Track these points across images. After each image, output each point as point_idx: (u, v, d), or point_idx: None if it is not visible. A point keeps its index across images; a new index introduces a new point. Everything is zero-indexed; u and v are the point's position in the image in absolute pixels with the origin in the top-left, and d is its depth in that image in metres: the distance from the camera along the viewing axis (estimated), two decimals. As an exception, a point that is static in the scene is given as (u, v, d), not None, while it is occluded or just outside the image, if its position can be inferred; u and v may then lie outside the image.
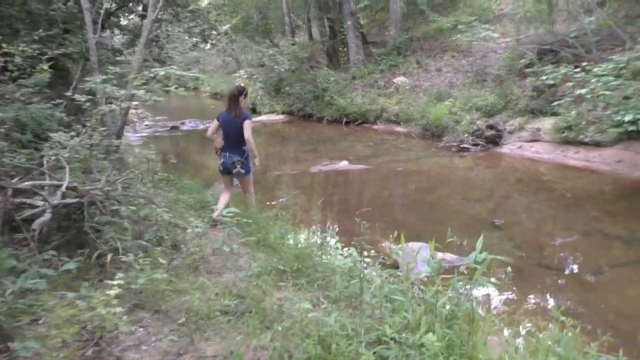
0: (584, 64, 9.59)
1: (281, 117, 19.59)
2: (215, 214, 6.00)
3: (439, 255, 6.24)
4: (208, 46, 19.56)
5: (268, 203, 8.11)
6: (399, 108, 15.88)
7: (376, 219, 7.58)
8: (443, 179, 10.21)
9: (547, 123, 11.79)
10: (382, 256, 5.57)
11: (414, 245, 6.31)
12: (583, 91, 8.40)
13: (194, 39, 17.24)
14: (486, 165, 11.21)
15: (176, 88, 5.02)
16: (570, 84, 9.94)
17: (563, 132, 11.01)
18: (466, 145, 12.22)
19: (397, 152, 12.63)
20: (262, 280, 4.02)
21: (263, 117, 19.74)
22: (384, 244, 6.59)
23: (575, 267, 5.95)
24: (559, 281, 5.61)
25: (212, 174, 10.86)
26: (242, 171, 6.21)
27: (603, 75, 8.43)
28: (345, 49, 20.29)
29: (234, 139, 6.12)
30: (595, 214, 7.68)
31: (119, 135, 8.03)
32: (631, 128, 7.63)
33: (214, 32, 18.16)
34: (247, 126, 5.97)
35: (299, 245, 4.85)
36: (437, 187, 9.61)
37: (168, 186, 8.13)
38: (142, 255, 4.08)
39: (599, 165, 9.97)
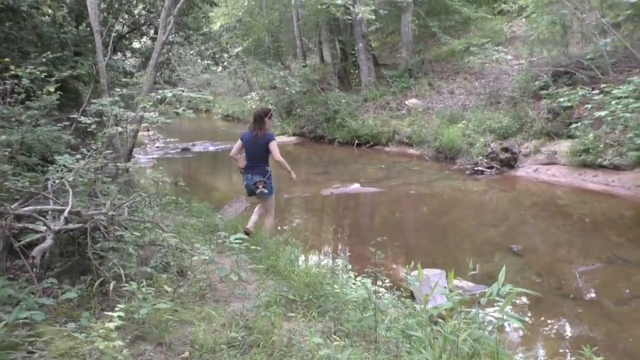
0: (602, 85, 9.38)
1: (292, 139, 19.52)
2: (248, 226, 6.34)
3: (456, 282, 6.01)
4: (219, 69, 19.67)
5: (279, 228, 7.93)
6: (412, 130, 15.73)
7: (389, 244, 7.36)
8: (457, 202, 9.98)
9: (563, 146, 11.57)
10: (397, 286, 5.35)
11: (430, 272, 6.09)
12: (602, 113, 8.20)
13: (206, 61, 17.33)
14: (501, 188, 10.98)
15: (184, 110, 4.90)
16: (588, 106, 9.73)
17: (580, 155, 10.77)
18: (480, 168, 12.00)
19: (410, 174, 12.44)
20: (270, 310, 3.83)
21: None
22: (399, 271, 6.37)
23: (598, 297, 5.67)
24: (582, 312, 5.34)
25: (222, 197, 10.73)
26: (265, 191, 6.18)
27: (623, 97, 8.21)
28: (356, 71, 20.29)
29: (256, 159, 6.16)
30: (616, 240, 7.41)
31: (128, 158, 7.95)
32: None
33: (226, 55, 18.25)
34: (275, 147, 6.08)
35: (310, 273, 4.65)
36: (451, 211, 9.38)
37: (176, 209, 7.99)
38: (146, 282, 3.92)
39: (619, 189, 9.70)
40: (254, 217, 6.55)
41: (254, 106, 22.85)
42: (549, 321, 5.19)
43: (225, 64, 18.80)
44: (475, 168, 12.05)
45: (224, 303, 4.42)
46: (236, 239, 4.43)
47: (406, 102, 17.65)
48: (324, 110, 18.50)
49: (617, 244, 7.24)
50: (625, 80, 11.48)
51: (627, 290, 5.81)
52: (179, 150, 18.16)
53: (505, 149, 12.12)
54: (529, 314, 5.32)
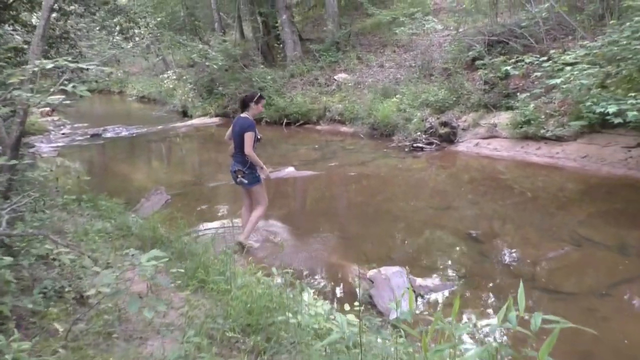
0: (552, 52, 8.83)
1: (215, 120, 18.12)
2: (242, 237, 5.88)
3: (419, 281, 5.18)
4: (130, 45, 17.83)
5: (204, 226, 6.80)
6: (343, 106, 14.84)
7: (334, 236, 6.47)
8: (400, 183, 9.20)
9: (503, 118, 11.09)
10: (347, 289, 4.47)
11: (388, 271, 5.23)
12: (557, 81, 7.62)
13: (115, 37, 15.51)
14: (444, 166, 10.34)
15: (74, 87, 3.67)
16: (537, 74, 9.17)
17: (522, 127, 10.31)
18: (420, 145, 11.32)
19: (346, 154, 11.56)
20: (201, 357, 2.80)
21: (195, 121, 18.21)
22: (349, 270, 5.47)
23: (576, 287, 5.02)
24: (564, 307, 4.66)
25: (139, 188, 9.40)
26: (245, 181, 5.85)
27: (575, 63, 7.68)
28: (280, 45, 19.10)
29: (237, 147, 5.82)
30: (575, 217, 6.89)
31: (15, 149, 6.49)
32: (617, 120, 6.89)
33: (137, 30, 16.48)
34: (248, 138, 5.62)
35: (252, 293, 3.60)
36: (396, 194, 8.57)
37: (81, 209, 6.69)
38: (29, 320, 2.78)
39: (564, 161, 9.30)
40: (244, 220, 6.15)
41: (171, 86, 21.15)
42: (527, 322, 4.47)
43: (137, 39, 17.01)
44: (415, 145, 11.36)
45: (138, 342, 3.33)
46: (150, 258, 3.31)
47: (335, 77, 16.72)
48: (249, 87, 17.18)
49: (578, 222, 6.71)
50: (562, 47, 11.17)
51: (604, 277, 5.22)
52: (89, 136, 16.28)
53: (444, 124, 11.50)
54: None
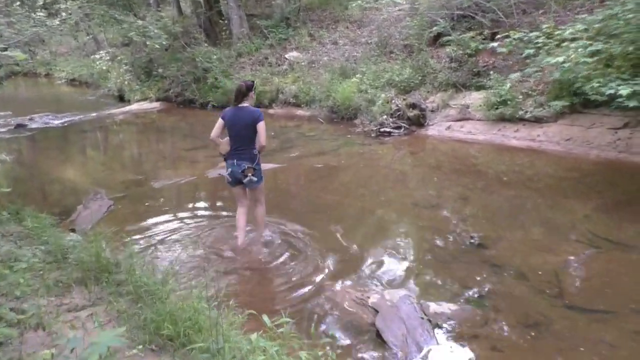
0: (544, 27, 8.02)
1: (156, 104, 16.57)
2: (239, 242, 5.45)
3: (433, 307, 4.28)
4: (56, 22, 15.92)
5: (157, 242, 5.62)
6: (297, 88, 13.72)
7: (316, 249, 5.45)
8: (376, 177, 8.21)
9: (475, 98, 10.34)
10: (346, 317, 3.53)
11: (394, 295, 4.30)
12: (560, 59, 6.83)
13: (38, 13, 13.65)
14: (418, 154, 9.49)
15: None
16: (529, 51, 8.38)
17: (497, 108, 9.59)
18: (387, 129, 10.43)
19: (307, 142, 10.50)
20: None
21: (134, 106, 16.58)
22: (344, 294, 4.50)
23: (611, 302, 4.24)
24: (607, 332, 3.88)
25: (74, 192, 8.05)
26: (255, 179, 5.25)
27: (574, 39, 6.92)
28: (225, 21, 17.63)
29: (243, 142, 5.19)
30: (582, 212, 6.17)
31: None
32: (632, 104, 6.19)
33: (62, 4, 14.67)
34: (263, 129, 5.08)
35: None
36: (375, 191, 7.56)
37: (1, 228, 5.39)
38: None
39: (547, 144, 8.64)
40: (241, 225, 5.51)
41: (104, 67, 19.27)
42: (570, 351, 3.66)
43: (64, 15, 15.16)
44: (382, 129, 10.46)
45: None
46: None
47: (287, 56, 15.53)
48: (192, 69, 15.78)
49: (585, 217, 5.99)
50: (534, 23, 10.49)
51: (639, 287, 4.51)
52: (12, 127, 14.35)
53: (413, 105, 10.63)
54: (550, 345, 3.74)
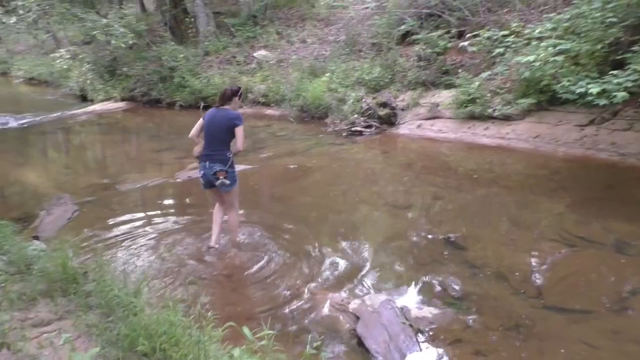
0: (514, 25, 8.06)
1: (121, 104, 16.14)
2: (212, 243, 5.35)
3: (415, 312, 4.23)
4: (13, 19, 15.35)
5: (126, 249, 5.42)
6: (266, 87, 13.58)
7: (293, 252, 5.35)
8: (349, 177, 8.13)
9: (444, 96, 10.40)
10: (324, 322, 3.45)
11: (375, 300, 4.23)
12: (530, 58, 6.88)
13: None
14: (390, 153, 9.48)
15: None
16: (500, 50, 8.43)
17: (466, 106, 9.65)
18: (358, 129, 10.39)
19: (279, 142, 10.38)
20: None
21: (97, 106, 16.11)
22: (324, 299, 4.42)
23: (590, 302, 4.28)
24: (586, 332, 3.89)
25: (36, 197, 7.74)
26: (227, 182, 5.12)
27: (543, 38, 6.99)
28: (191, 19, 17.31)
29: (217, 144, 5.07)
30: (556, 210, 6.24)
31: None
32: (602, 102, 6.27)
33: (20, 1, 14.12)
34: (241, 133, 5.01)
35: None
36: (349, 191, 7.48)
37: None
38: None
39: (516, 142, 8.74)
40: (216, 228, 5.42)
41: (65, 66, 18.68)
42: (552, 354, 3.66)
43: (21, 13, 14.61)
44: (353, 129, 10.41)
45: None
46: None
47: (255, 55, 15.36)
48: (158, 67, 15.43)
49: (559, 215, 6.07)
50: (500, 21, 10.61)
51: (615, 286, 4.55)
52: (-36, 130, 13.78)
53: (383, 104, 10.62)
54: (521, 344, 3.74)
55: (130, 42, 13.93)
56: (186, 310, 3.37)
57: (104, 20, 13.05)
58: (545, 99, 8.85)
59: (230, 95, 5.16)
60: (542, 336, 3.87)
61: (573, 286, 4.56)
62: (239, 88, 5.34)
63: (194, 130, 5.24)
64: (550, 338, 3.85)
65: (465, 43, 9.03)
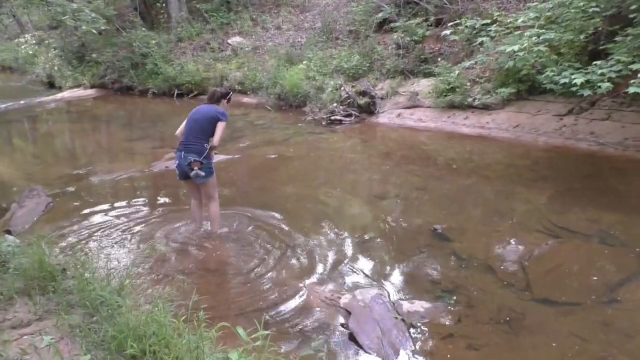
0: (496, 14, 8.03)
1: (90, 92, 15.71)
2: (195, 227, 5.47)
3: (406, 306, 4.18)
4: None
5: (105, 243, 5.22)
6: (243, 74, 13.36)
7: (278, 245, 5.25)
8: (331, 166, 8.04)
9: (423, 85, 10.37)
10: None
11: (366, 295, 4.17)
12: (515, 47, 6.84)
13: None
14: (370, 142, 9.39)
15: None
16: (484, 39, 8.39)
17: (446, 95, 9.64)
18: (338, 117, 10.28)
19: (257, 131, 10.20)
20: None
21: (66, 93, 15.63)
22: (312, 291, 4.33)
23: (578, 294, 4.30)
24: (577, 325, 3.90)
25: (5, 188, 7.43)
26: (202, 174, 5.02)
27: (526, 27, 6.96)
28: (162, 4, 16.86)
29: (195, 135, 5.03)
30: (539, 200, 6.25)
31: None
32: (586, 92, 6.28)
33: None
34: (221, 128, 5.04)
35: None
36: (331, 180, 7.38)
37: None
38: None
39: (497, 132, 8.77)
40: (197, 216, 5.50)
41: (30, 52, 18.04)
42: (552, 351, 3.65)
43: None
44: (332, 117, 10.30)
45: None
46: None
47: (229, 41, 15.08)
48: (129, 54, 15.02)
49: (543, 206, 6.08)
50: (478, 9, 10.59)
51: (602, 277, 4.57)
52: None
53: (363, 93, 10.53)
54: (513, 338, 3.72)
55: (103, 27, 13.49)
56: (175, 310, 3.24)
57: (74, 5, 12.60)
58: (525, 88, 8.90)
59: (219, 97, 5.22)
60: (532, 329, 3.85)
61: (560, 278, 4.57)
62: (228, 92, 5.38)
63: (179, 129, 5.22)
64: (541, 331, 3.84)
65: (448, 32, 8.95)
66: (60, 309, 3.40)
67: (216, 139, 5.03)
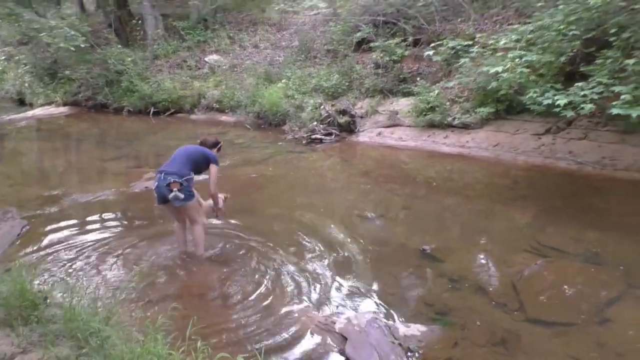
0: (478, 36, 8.18)
1: (63, 109, 15.36)
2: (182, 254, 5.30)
3: (402, 330, 4.13)
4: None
5: (88, 268, 5.03)
6: (220, 93, 13.27)
7: (264, 266, 5.15)
8: (314, 187, 7.97)
9: (403, 104, 10.46)
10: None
11: (361, 319, 4.10)
12: (499, 69, 6.95)
13: None
14: (351, 161, 9.42)
15: None
16: (466, 60, 8.52)
17: (426, 115, 9.73)
18: (318, 136, 10.27)
19: (237, 150, 10.09)
20: None
21: (38, 111, 15.25)
22: (310, 318, 4.24)
23: (572, 314, 4.32)
24: (572, 346, 3.91)
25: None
26: (181, 196, 4.79)
27: (508, 49, 7.10)
28: (138, 21, 16.70)
29: (182, 159, 4.94)
30: (523, 220, 6.33)
31: None
32: (569, 114, 6.39)
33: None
34: (214, 171, 5.09)
35: None
36: (315, 201, 7.29)
37: None
38: None
39: (477, 151, 8.87)
40: (180, 239, 5.37)
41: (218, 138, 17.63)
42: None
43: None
44: (313, 136, 10.28)
45: None
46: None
47: (206, 59, 15.00)
48: (103, 71, 14.78)
49: (528, 225, 6.16)
50: (455, 30, 10.78)
51: (593, 297, 4.60)
52: None
53: (343, 112, 10.56)
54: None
55: (82, 45, 13.23)
56: (171, 340, 3.13)
57: (52, 22, 12.27)
58: (503, 108, 9.06)
59: (210, 145, 5.27)
60: (528, 351, 3.85)
61: (552, 298, 4.59)
62: (219, 141, 5.44)
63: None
64: (537, 353, 3.84)
65: (430, 52, 9.06)
66: (44, 340, 3.26)
67: (212, 184, 5.09)
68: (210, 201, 5.40)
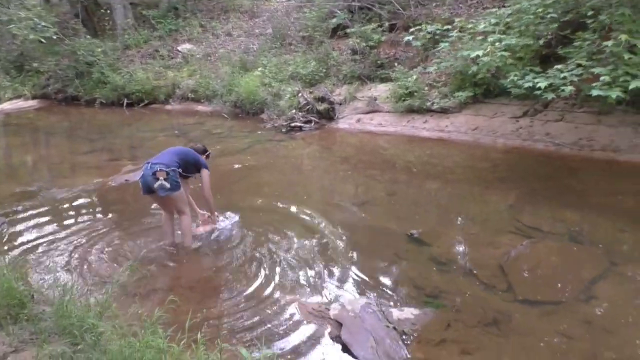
0: (457, 20, 8.21)
1: (32, 102, 14.97)
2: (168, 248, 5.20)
3: (396, 314, 4.17)
4: None
5: (74, 264, 4.93)
6: (195, 82, 13.09)
7: (253, 255, 5.14)
8: (298, 175, 7.94)
9: (381, 90, 10.48)
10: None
11: (356, 305, 4.13)
12: (479, 53, 6.99)
13: None
14: (332, 148, 9.40)
15: None
16: (445, 44, 8.52)
17: (405, 100, 9.78)
18: (297, 124, 10.23)
19: (216, 140, 9.97)
20: None
21: (6, 105, 14.83)
22: (303, 306, 4.23)
23: (558, 293, 4.43)
24: (561, 323, 4.01)
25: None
26: (167, 185, 4.76)
27: (487, 33, 7.15)
28: (106, 11, 16.30)
29: (172, 154, 5.00)
30: (506, 202, 6.41)
31: None
32: (550, 96, 6.48)
33: None
34: (207, 177, 5.19)
35: None
36: (299, 190, 7.30)
37: None
38: None
39: (456, 135, 8.96)
40: (168, 230, 5.28)
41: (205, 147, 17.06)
42: (537, 353, 3.73)
43: None
44: (292, 124, 10.23)
45: None
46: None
47: (179, 48, 14.78)
48: (73, 63, 14.41)
49: (510, 207, 6.24)
50: (431, 15, 10.82)
51: (577, 275, 4.72)
52: None
53: (322, 99, 10.53)
54: (502, 340, 3.79)
55: (55, 37, 12.84)
56: (170, 334, 3.09)
57: (21, 14, 11.85)
58: (480, 92, 9.15)
59: (200, 152, 5.39)
60: (520, 330, 3.92)
61: (539, 278, 4.69)
62: (207, 150, 5.62)
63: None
64: (528, 332, 3.91)
65: (410, 37, 9.06)
66: (36, 338, 3.19)
67: (206, 189, 5.19)
68: (205, 211, 5.58)
